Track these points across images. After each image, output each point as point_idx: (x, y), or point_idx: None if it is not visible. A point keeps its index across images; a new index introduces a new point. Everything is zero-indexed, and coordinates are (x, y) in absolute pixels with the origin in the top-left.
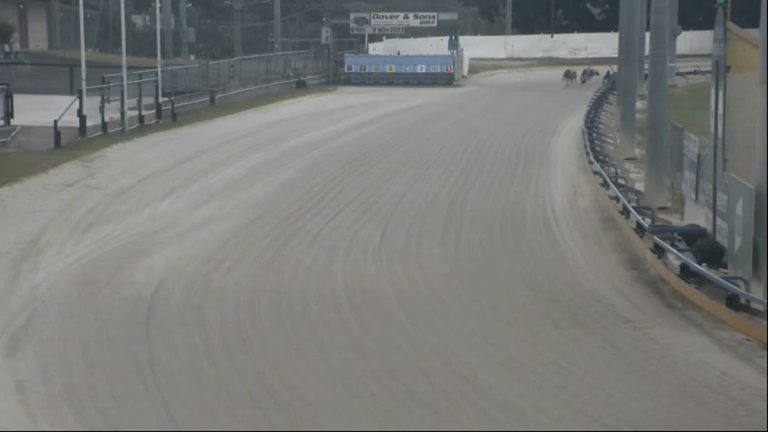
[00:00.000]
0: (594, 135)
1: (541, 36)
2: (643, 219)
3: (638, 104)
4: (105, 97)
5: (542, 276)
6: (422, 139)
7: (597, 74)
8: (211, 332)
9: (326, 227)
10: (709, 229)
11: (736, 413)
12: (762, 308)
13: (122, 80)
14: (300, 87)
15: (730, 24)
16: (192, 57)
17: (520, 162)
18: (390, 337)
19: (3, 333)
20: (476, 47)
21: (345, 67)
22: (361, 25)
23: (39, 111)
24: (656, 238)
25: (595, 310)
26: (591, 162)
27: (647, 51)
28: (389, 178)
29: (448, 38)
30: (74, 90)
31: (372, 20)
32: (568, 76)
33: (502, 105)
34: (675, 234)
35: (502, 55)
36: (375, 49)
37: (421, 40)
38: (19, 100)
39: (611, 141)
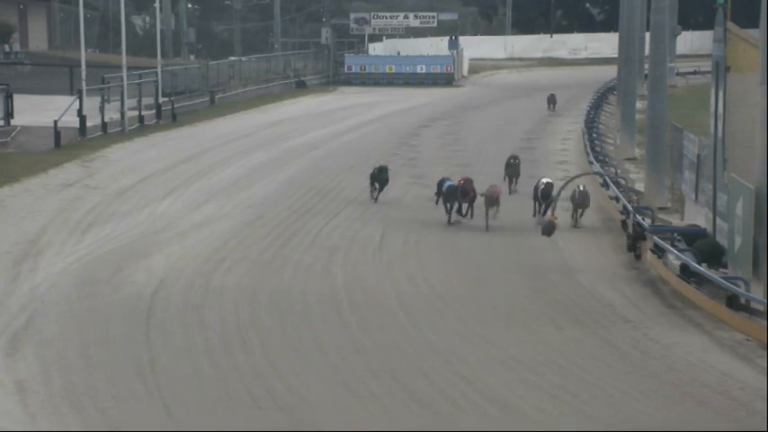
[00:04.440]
0: (594, 135)
1: (541, 36)
2: (643, 219)
3: (638, 104)
4: (105, 97)
5: (542, 276)
6: (422, 139)
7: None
8: (211, 332)
9: (326, 227)
10: (710, 229)
11: (736, 413)
12: (762, 308)
13: (122, 80)
14: (300, 87)
15: (730, 24)
16: (192, 57)
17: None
18: (390, 337)
19: (3, 333)
20: (476, 47)
21: (345, 67)
22: (361, 25)
23: (39, 111)
24: (656, 238)
25: (595, 310)
26: (591, 162)
27: (647, 51)
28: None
29: (448, 38)
30: (74, 90)
31: (372, 20)
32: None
33: (502, 105)
34: (675, 234)
35: (502, 55)
36: (375, 49)
37: (421, 40)
38: (19, 100)
39: (611, 141)
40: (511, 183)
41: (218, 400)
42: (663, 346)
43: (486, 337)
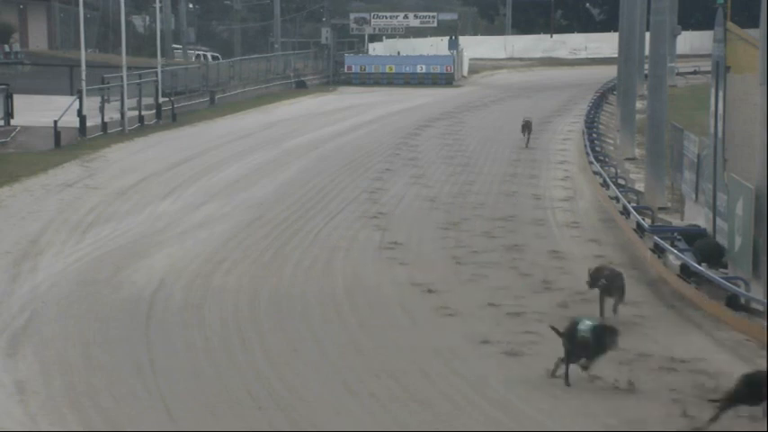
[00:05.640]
0: (594, 135)
1: (541, 36)
2: (643, 219)
3: (638, 104)
4: (105, 97)
5: (542, 276)
6: (422, 139)
7: None
8: (211, 332)
9: (326, 227)
10: (709, 229)
11: (736, 413)
12: (762, 308)
13: (122, 80)
14: (300, 87)
15: (730, 24)
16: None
17: (520, 162)
18: (390, 337)
19: (3, 333)
20: (476, 47)
21: (345, 67)
22: (361, 25)
23: (39, 111)
24: (656, 238)
25: (595, 311)
26: (591, 162)
27: (647, 51)
28: (389, 178)
29: (448, 38)
30: (74, 90)
31: (372, 20)
32: None
33: (502, 105)
34: (675, 234)
35: (502, 55)
36: (375, 49)
37: (421, 40)
38: (19, 100)
39: (612, 141)
40: (611, 303)
41: (218, 400)
42: (663, 346)
43: (485, 337)
